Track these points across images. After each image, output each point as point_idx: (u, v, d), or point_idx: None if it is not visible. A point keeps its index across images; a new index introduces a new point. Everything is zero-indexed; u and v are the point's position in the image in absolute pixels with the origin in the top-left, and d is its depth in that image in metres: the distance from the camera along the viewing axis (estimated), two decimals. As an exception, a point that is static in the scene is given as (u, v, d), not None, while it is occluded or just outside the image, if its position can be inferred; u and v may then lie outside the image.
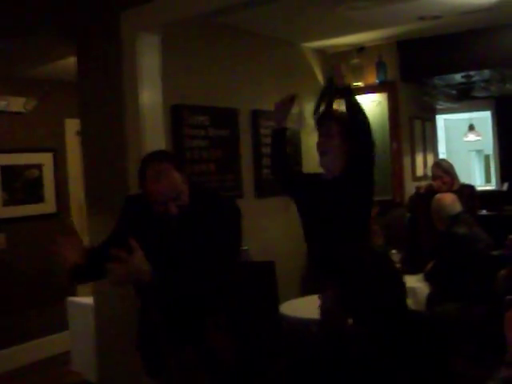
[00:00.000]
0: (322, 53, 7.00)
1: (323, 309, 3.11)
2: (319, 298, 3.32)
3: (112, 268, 2.51)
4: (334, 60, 6.97)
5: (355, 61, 6.80)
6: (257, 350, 2.74)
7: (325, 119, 3.58)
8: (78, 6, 4.56)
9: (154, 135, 4.22)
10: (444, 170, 5.85)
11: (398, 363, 2.31)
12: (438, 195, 5.11)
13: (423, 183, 6.04)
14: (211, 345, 2.60)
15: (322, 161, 3.54)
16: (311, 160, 6.20)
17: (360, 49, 6.81)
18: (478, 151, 10.60)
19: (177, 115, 4.95)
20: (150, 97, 4.23)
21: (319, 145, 3.54)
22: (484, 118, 9.40)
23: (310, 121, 6.12)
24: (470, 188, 6.03)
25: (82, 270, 2.96)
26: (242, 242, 2.78)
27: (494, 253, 4.58)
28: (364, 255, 2.38)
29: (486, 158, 10.17)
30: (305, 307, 4.20)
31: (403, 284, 2.39)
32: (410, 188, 6.81)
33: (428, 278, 4.75)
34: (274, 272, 2.82)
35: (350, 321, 2.42)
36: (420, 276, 4.86)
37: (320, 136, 3.56)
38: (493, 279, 3.94)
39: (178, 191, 2.64)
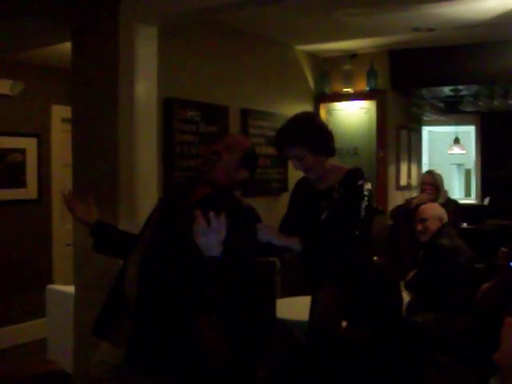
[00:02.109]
0: (313, 56, 7.03)
1: (319, 311, 3.12)
2: (314, 299, 3.33)
3: None
4: (325, 65, 7.02)
5: (347, 67, 6.84)
6: (249, 351, 2.73)
7: (284, 145, 3.32)
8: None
9: (146, 127, 4.21)
10: (434, 180, 5.89)
11: (384, 368, 2.33)
12: (428, 204, 5.15)
13: (415, 200, 5.98)
14: (202, 343, 2.60)
15: (309, 177, 3.40)
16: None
17: (352, 55, 6.85)
18: (459, 165, 10.70)
19: (168, 109, 4.94)
20: (145, 89, 4.21)
21: (296, 167, 3.35)
22: (467, 133, 9.50)
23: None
24: (455, 203, 6.10)
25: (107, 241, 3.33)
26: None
27: (478, 266, 4.62)
28: (365, 264, 2.40)
29: (467, 172, 10.26)
30: (286, 309, 4.23)
31: (400, 293, 2.42)
32: (394, 196, 6.87)
33: (409, 287, 4.78)
34: (273, 272, 2.84)
35: (344, 324, 2.43)
36: (400, 284, 4.89)
37: (290, 159, 3.36)
38: (474, 292, 3.97)
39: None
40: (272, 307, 2.89)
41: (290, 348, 2.60)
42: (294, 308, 4.15)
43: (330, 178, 3.30)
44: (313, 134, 3.27)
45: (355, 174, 3.27)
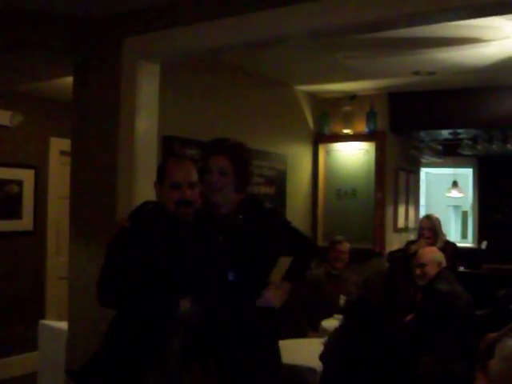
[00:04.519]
0: (313, 97, 7.06)
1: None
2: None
3: None
4: (325, 105, 7.04)
5: (346, 108, 6.86)
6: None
7: (215, 152, 3.20)
8: (80, 28, 4.55)
9: (146, 164, 4.19)
10: (433, 225, 5.87)
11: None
12: (427, 248, 5.14)
13: (414, 246, 5.93)
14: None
15: (214, 197, 3.15)
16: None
17: (352, 97, 6.87)
18: (456, 207, 10.69)
19: (168, 147, 4.91)
20: (145, 126, 4.21)
21: (212, 182, 3.13)
22: (464, 175, 9.50)
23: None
24: (453, 245, 6.06)
25: None
26: None
27: (478, 312, 4.58)
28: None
29: (464, 214, 10.25)
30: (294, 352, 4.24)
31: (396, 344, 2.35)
32: (391, 238, 6.84)
33: (405, 331, 4.74)
34: (274, 317, 2.81)
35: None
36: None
37: (211, 171, 3.15)
38: (472, 338, 3.92)
39: None
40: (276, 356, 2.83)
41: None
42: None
43: (228, 205, 3.17)
44: (245, 160, 3.21)
45: (255, 200, 3.28)
